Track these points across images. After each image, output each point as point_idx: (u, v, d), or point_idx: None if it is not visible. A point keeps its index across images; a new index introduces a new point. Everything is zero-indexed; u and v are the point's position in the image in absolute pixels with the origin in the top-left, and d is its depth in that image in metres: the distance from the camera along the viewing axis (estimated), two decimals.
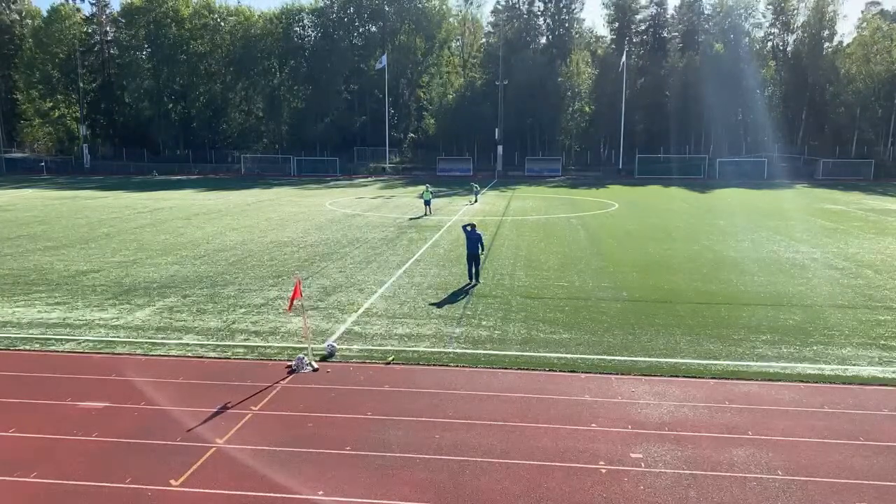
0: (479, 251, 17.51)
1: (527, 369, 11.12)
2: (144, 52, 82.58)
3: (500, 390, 10.21)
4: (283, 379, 10.69)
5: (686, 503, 7.16)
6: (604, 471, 7.80)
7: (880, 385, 10.44)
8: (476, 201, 40.92)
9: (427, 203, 34.32)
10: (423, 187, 37.80)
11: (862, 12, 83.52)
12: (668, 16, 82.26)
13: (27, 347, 12.34)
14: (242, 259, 21.16)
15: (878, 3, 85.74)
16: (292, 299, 11.31)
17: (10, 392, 10.16)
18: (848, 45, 76.44)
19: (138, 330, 13.37)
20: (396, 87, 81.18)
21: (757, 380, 10.65)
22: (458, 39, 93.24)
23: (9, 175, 69.87)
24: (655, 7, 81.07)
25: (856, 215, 34.17)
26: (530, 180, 64.12)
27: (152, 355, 11.85)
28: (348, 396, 9.99)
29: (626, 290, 16.78)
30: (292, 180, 64.66)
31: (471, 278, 17.51)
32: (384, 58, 72.41)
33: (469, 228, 17.53)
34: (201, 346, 12.37)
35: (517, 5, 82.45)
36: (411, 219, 31.36)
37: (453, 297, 16.00)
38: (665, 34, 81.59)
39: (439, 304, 15.32)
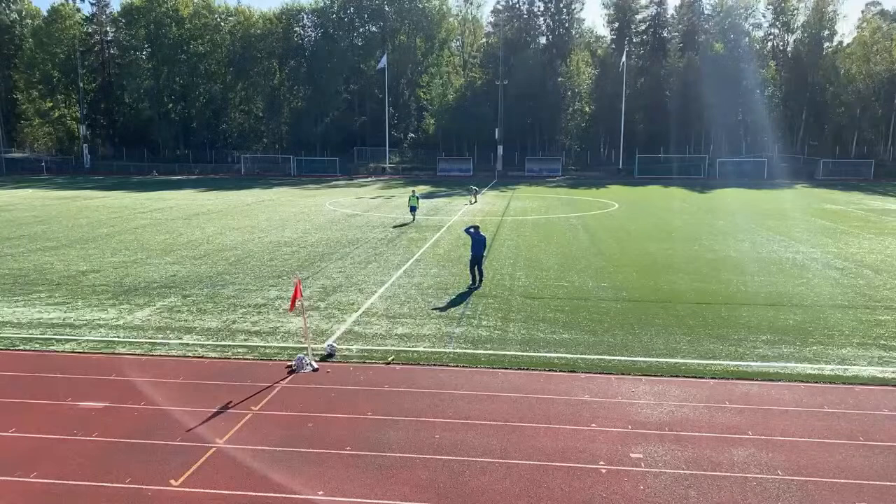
0: (483, 252, 17.44)
1: (527, 369, 11.12)
2: (144, 52, 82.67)
3: (500, 390, 10.21)
4: (283, 379, 10.68)
5: (686, 503, 7.16)
6: (604, 471, 7.80)
7: (880, 385, 10.44)
8: (475, 201, 40.93)
9: (413, 209, 31.64)
10: (409, 191, 34.64)
11: (862, 12, 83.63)
12: (668, 16, 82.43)
13: (27, 347, 12.34)
14: (242, 259, 21.16)
15: (878, 3, 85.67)
16: (294, 299, 11.31)
17: (10, 392, 10.16)
18: (848, 45, 76.45)
19: (138, 330, 13.36)
20: (396, 87, 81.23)
21: (757, 380, 10.64)
22: (458, 39, 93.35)
23: (9, 175, 69.88)
24: (655, 7, 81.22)
25: (856, 215, 34.17)
26: (530, 180, 64.11)
27: (152, 355, 11.85)
28: (348, 396, 9.98)
29: (626, 290, 16.77)
30: (292, 180, 64.66)
31: (473, 279, 17.39)
32: (384, 58, 72.47)
33: (473, 230, 17.45)
34: (201, 346, 12.37)
35: (517, 5, 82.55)
36: (395, 226, 29.38)
37: (453, 297, 15.99)
38: (665, 34, 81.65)
39: (439, 305, 15.32)
